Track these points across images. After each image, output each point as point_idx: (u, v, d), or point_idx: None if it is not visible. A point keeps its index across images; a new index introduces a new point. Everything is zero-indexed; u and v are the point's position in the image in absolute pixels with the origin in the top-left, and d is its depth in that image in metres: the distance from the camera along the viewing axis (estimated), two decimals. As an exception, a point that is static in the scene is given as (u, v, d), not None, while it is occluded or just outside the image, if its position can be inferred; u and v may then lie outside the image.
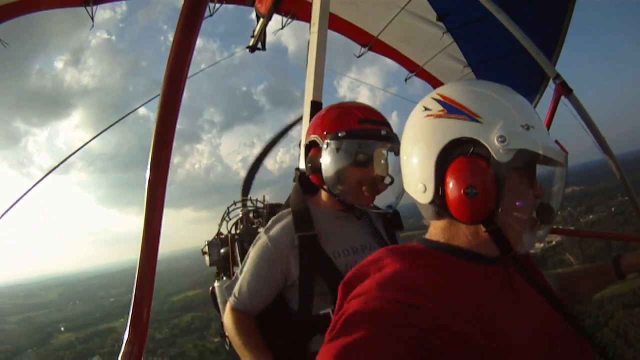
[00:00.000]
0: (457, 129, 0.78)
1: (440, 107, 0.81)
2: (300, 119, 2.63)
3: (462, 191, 0.75)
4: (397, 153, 1.46)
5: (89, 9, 2.78)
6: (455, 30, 3.54)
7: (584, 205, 40.97)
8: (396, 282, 0.74)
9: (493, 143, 0.75)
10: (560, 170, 0.83)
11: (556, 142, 0.81)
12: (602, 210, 38.29)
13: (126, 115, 2.79)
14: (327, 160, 1.44)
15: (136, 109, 2.83)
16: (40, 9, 2.76)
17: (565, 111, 2.79)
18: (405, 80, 4.35)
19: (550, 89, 2.93)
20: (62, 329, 54.05)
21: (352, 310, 0.70)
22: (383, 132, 1.42)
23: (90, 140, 2.80)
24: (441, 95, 0.83)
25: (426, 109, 0.83)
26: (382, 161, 1.43)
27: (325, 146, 1.44)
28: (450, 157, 0.78)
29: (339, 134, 1.42)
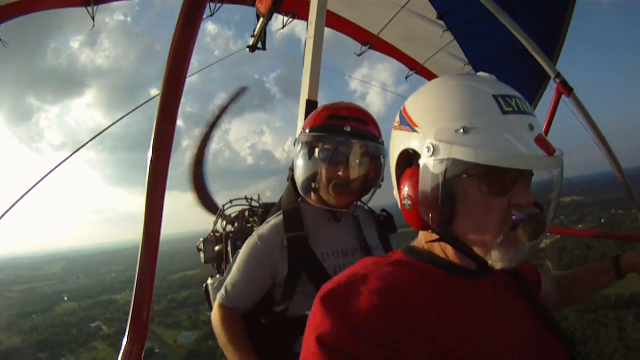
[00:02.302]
0: (402, 140, 0.77)
1: (398, 118, 0.80)
2: (239, 93, 2.58)
3: (401, 202, 0.76)
4: (374, 153, 1.42)
5: (89, 9, 2.78)
6: (456, 29, 3.53)
7: (576, 214, 42.12)
8: (372, 313, 0.66)
9: (424, 154, 0.71)
10: (554, 174, 0.73)
11: (539, 138, 0.68)
12: (592, 220, 39.59)
13: (140, 105, 2.72)
14: (296, 157, 1.44)
15: (148, 101, 2.75)
16: (40, 9, 2.76)
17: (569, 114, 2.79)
18: (406, 77, 4.34)
19: (551, 89, 2.93)
20: (66, 298, 57.22)
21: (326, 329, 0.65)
22: (347, 128, 1.36)
23: (110, 127, 2.73)
24: (403, 106, 0.81)
25: (395, 120, 0.83)
26: (351, 160, 1.37)
27: (296, 142, 1.45)
28: (404, 167, 0.78)
29: (306, 130, 1.41)
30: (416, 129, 0.74)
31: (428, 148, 0.70)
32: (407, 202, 0.74)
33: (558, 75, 2.77)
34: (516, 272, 0.84)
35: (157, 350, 38.84)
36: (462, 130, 0.68)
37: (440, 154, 0.68)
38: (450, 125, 0.69)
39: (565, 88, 2.74)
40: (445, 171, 0.69)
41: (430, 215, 0.72)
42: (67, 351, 40.31)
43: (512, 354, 0.71)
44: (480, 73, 0.78)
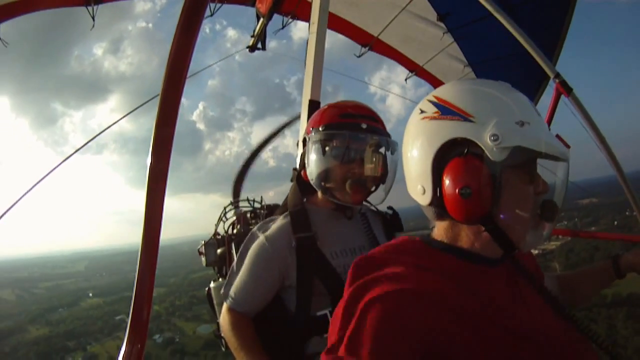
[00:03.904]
0: (450, 130, 0.78)
1: (435, 109, 0.82)
2: (296, 118, 2.60)
3: (456, 192, 0.76)
4: (388, 149, 1.44)
5: (90, 8, 2.77)
6: (456, 30, 3.54)
7: (591, 216, 42.79)
8: (399, 283, 0.73)
9: (486, 142, 0.75)
10: (562, 165, 0.82)
11: (557, 136, 0.80)
12: (605, 223, 39.77)
13: (141, 105, 2.71)
14: (309, 155, 1.43)
15: (148, 102, 2.74)
16: (41, 8, 2.75)
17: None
18: (406, 79, 4.35)
19: (551, 89, 2.93)
20: (90, 294, 60.76)
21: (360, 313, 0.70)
22: (363, 125, 1.37)
23: (112, 125, 2.72)
24: (436, 97, 0.83)
25: (422, 111, 0.84)
26: (367, 157, 1.39)
27: (308, 141, 1.44)
28: (446, 158, 0.78)
29: (320, 128, 1.41)
30: (471, 118, 0.77)
31: (495, 136, 0.74)
32: (467, 191, 0.75)
33: (558, 75, 2.77)
34: (517, 260, 0.90)
35: (177, 340, 41.80)
36: (520, 124, 0.75)
37: (504, 142, 0.74)
38: (510, 118, 0.76)
39: (565, 88, 2.74)
40: (505, 159, 0.74)
41: (484, 203, 0.75)
42: (93, 340, 43.71)
43: (535, 332, 0.76)
44: (501, 82, 0.85)
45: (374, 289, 0.72)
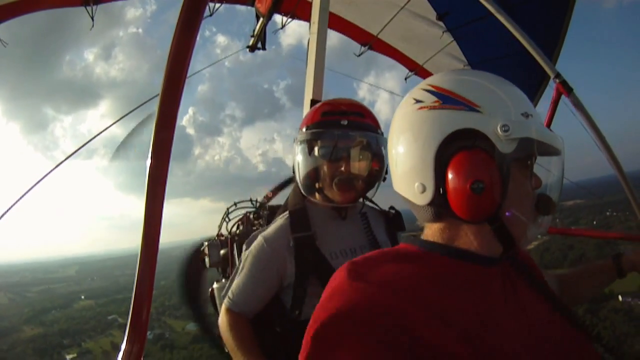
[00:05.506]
0: (456, 120, 0.71)
1: (434, 98, 0.74)
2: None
3: (468, 187, 0.69)
4: (375, 145, 1.41)
5: (89, 8, 2.78)
6: (455, 30, 3.54)
7: (572, 217, 43.71)
8: (379, 286, 0.67)
9: (496, 133, 0.69)
10: (558, 159, 0.79)
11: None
12: (585, 223, 40.69)
13: (136, 108, 2.69)
14: (295, 158, 1.43)
15: (144, 104, 2.72)
16: (40, 9, 2.76)
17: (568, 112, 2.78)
18: (405, 79, 4.35)
19: (550, 89, 2.93)
20: (83, 297, 63.11)
21: (329, 315, 0.66)
22: (343, 122, 1.34)
23: (105, 130, 2.71)
24: (433, 86, 0.76)
25: (417, 101, 0.76)
26: (351, 154, 1.35)
27: (294, 142, 1.43)
28: (449, 151, 0.71)
29: (303, 129, 1.40)
30: (477, 108, 0.72)
31: (505, 127, 0.69)
32: (479, 185, 0.68)
33: (558, 75, 2.77)
34: (514, 258, 0.85)
35: (167, 335, 44.44)
36: (525, 115, 0.72)
37: (513, 133, 0.70)
38: (516, 109, 0.73)
39: (565, 88, 2.74)
40: (512, 151, 0.70)
41: (496, 198, 0.70)
42: (87, 337, 46.35)
43: (532, 331, 0.73)
44: (495, 75, 0.82)
45: (345, 298, 0.68)
